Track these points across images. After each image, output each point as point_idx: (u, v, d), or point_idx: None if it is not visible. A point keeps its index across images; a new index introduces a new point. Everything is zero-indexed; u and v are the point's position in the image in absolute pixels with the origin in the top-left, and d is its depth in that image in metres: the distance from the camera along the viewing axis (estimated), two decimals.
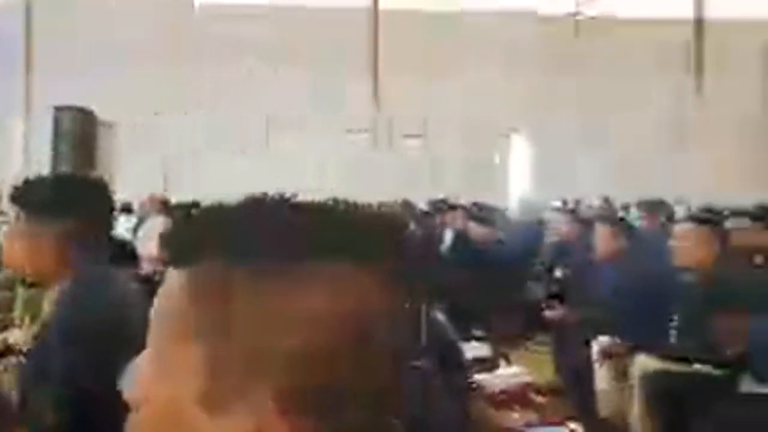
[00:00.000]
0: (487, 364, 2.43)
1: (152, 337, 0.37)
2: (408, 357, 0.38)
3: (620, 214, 5.27)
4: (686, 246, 2.46)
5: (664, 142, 9.29)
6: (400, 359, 0.36)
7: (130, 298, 1.05)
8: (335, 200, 0.39)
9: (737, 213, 4.38)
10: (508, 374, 2.37)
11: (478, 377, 2.24)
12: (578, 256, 3.76)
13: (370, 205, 0.43)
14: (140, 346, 0.38)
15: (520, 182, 9.87)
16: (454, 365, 1.51)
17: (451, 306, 2.56)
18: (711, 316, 2.10)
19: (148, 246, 1.91)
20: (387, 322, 0.34)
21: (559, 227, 4.54)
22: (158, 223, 1.98)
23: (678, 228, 2.68)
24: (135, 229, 3.24)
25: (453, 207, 5.60)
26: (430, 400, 1.35)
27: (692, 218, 2.89)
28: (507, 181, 9.92)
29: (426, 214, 5.68)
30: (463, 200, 6.21)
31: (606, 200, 6.91)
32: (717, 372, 1.94)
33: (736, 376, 1.89)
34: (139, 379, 0.37)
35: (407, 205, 6.29)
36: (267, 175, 8.66)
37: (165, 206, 4.34)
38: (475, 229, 4.55)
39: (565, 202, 6.92)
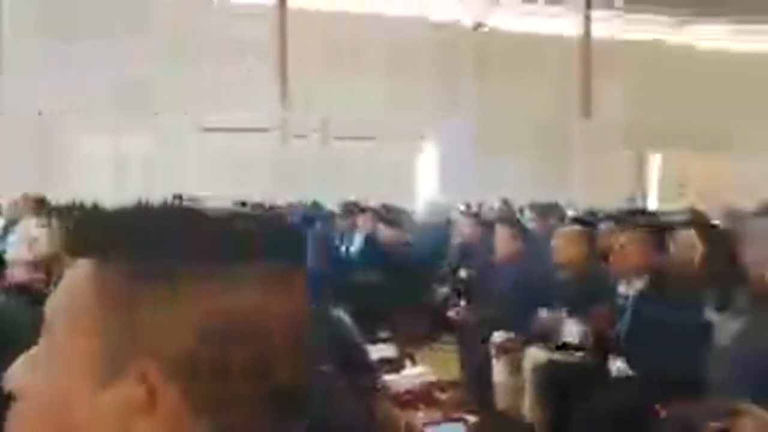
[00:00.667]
0: (394, 365, 2.49)
1: (51, 330, 0.38)
2: (309, 358, 0.40)
3: (518, 216, 5.62)
4: (562, 245, 2.77)
5: (550, 148, 10.01)
6: (299, 360, 0.37)
7: None
8: (239, 203, 0.41)
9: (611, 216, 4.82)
10: (413, 374, 2.45)
11: (385, 378, 2.30)
12: (480, 257, 3.98)
13: (270, 207, 0.45)
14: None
15: (427, 185, 10.21)
16: (358, 366, 1.53)
17: (358, 308, 2.59)
18: (584, 308, 2.34)
19: (22, 250, 1.71)
20: (282, 323, 0.36)
21: (462, 229, 4.76)
22: (32, 226, 1.78)
23: (558, 230, 2.97)
24: (3, 233, 2.82)
25: (363, 209, 5.67)
26: (334, 401, 1.36)
27: (570, 220, 3.20)
28: (414, 184, 10.22)
29: (334, 215, 5.69)
30: (373, 202, 6.29)
31: (505, 203, 7.34)
32: (592, 359, 2.15)
33: (607, 361, 2.10)
34: (25, 371, 0.39)
35: (316, 206, 6.26)
36: (166, 176, 8.24)
37: (40, 206, 3.94)
38: (384, 231, 4.64)
39: (468, 206, 7.25)
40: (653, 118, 10.46)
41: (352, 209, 5.39)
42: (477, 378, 2.73)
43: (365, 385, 1.64)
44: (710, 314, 2.22)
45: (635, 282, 2.35)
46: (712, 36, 10.70)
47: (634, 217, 4.83)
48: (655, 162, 10.88)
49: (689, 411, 1.47)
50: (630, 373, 2.03)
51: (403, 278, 4.26)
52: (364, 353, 1.63)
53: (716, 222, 5.80)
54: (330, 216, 5.75)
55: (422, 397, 2.23)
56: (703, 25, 10.46)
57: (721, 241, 4.22)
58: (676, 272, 2.44)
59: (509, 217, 4.80)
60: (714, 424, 1.21)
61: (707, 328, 2.08)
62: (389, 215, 4.78)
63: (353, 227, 5.10)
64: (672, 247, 2.51)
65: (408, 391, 2.24)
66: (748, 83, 10.56)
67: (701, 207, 6.74)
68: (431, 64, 9.94)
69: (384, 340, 3.01)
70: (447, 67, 10.02)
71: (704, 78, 10.62)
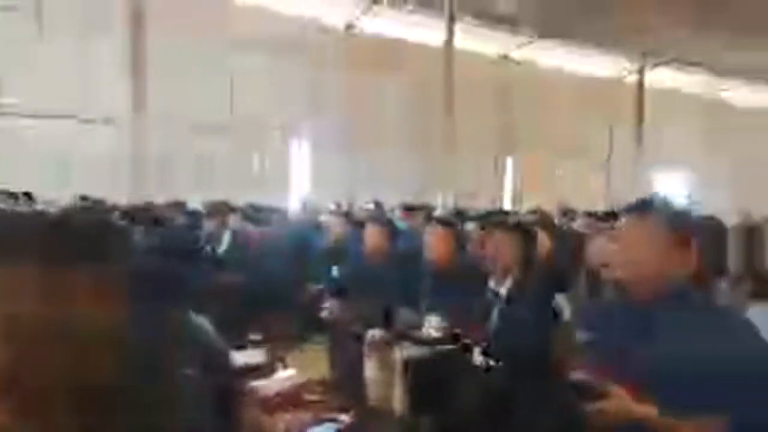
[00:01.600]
0: (264, 369, 2.40)
1: None
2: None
3: (389, 215, 5.79)
4: (431, 244, 2.91)
5: (418, 148, 10.50)
6: (117, 362, 0.36)
7: None
8: (81, 201, 0.36)
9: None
10: (283, 377, 2.38)
11: (254, 383, 2.20)
12: (352, 256, 4.02)
13: (113, 206, 0.40)
14: None
15: (299, 183, 10.11)
16: (221, 372, 1.43)
17: (225, 310, 2.44)
18: (451, 305, 2.48)
19: None
20: (98, 324, 0.34)
21: (334, 228, 4.77)
22: None
23: (427, 228, 3.10)
24: None
25: (231, 209, 5.41)
26: (194, 409, 1.25)
27: (435, 220, 3.38)
28: (288, 182, 10.06)
29: (195, 214, 5.36)
30: (242, 201, 6.05)
31: (377, 203, 7.53)
32: (455, 351, 2.27)
33: (468, 353, 2.24)
34: None
35: (177, 205, 5.84)
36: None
37: None
38: (251, 230, 4.47)
39: (338, 204, 7.31)
40: (509, 123, 11.51)
41: (220, 208, 5.12)
42: (349, 376, 2.74)
43: (230, 392, 1.55)
44: (559, 305, 2.48)
45: (504, 279, 2.51)
46: (553, 55, 12.07)
47: (496, 217, 5.25)
48: (509, 164, 11.96)
49: (557, 393, 1.58)
50: (493, 363, 2.17)
51: (273, 279, 4.14)
52: (227, 358, 1.53)
53: (558, 222, 6.59)
54: (195, 215, 5.41)
55: (292, 399, 2.17)
56: (545, 44, 11.73)
57: (564, 239, 4.78)
58: (535, 269, 2.66)
59: (380, 215, 4.91)
60: (588, 406, 1.31)
61: (557, 319, 2.31)
62: (256, 214, 4.61)
63: (221, 227, 4.84)
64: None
65: (277, 395, 2.17)
66: (585, 101, 12.12)
67: (548, 207, 7.59)
68: (304, 63, 9.86)
69: (254, 344, 2.89)
70: (319, 66, 10.02)
71: (546, 91, 11.96)
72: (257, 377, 2.33)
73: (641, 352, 1.38)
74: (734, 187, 13.30)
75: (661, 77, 12.54)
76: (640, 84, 9.88)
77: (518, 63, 11.74)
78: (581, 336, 1.71)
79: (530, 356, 2.17)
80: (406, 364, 2.36)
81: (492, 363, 2.15)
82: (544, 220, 5.74)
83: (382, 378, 2.55)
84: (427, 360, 2.26)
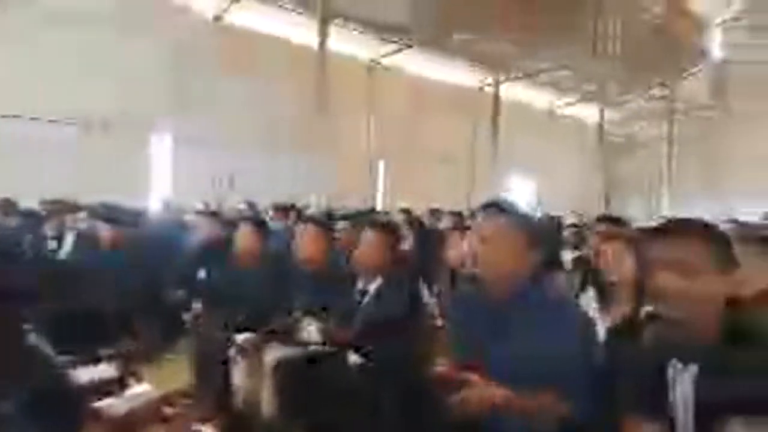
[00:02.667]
0: (114, 386, 2.16)
1: None
2: None
3: (261, 215, 5.61)
4: (302, 244, 2.86)
5: (291, 147, 10.34)
6: None
7: None
8: None
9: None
10: (136, 393, 2.17)
11: (102, 403, 1.97)
12: (220, 257, 3.79)
13: None
14: None
15: (163, 183, 9.37)
16: (59, 396, 1.25)
17: (69, 322, 2.16)
18: (323, 305, 2.46)
19: None
20: None
21: (201, 229, 4.49)
22: None
23: (298, 229, 3.05)
24: None
25: (77, 207, 4.82)
26: None
27: (307, 219, 3.34)
28: (149, 181, 9.27)
29: (31, 214, 4.70)
30: (91, 199, 5.42)
31: (250, 203, 7.26)
32: (327, 352, 2.26)
33: (341, 353, 2.25)
34: None
35: (8, 203, 5.04)
36: None
37: None
38: (105, 231, 4.02)
39: (206, 204, 6.92)
40: (381, 127, 11.83)
41: (59, 208, 4.53)
42: (214, 384, 2.59)
43: (72, 417, 1.36)
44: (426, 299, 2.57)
45: (372, 278, 2.51)
46: (422, 64, 12.68)
47: (366, 216, 5.33)
48: (380, 167, 12.29)
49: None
50: (365, 363, 2.18)
51: (130, 283, 3.75)
52: (65, 379, 1.34)
53: (425, 221, 6.93)
54: (31, 215, 4.72)
55: (148, 416, 1.99)
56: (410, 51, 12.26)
57: (431, 239, 5.02)
58: (403, 268, 2.71)
59: (251, 216, 4.73)
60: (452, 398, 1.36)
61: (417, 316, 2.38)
62: (109, 214, 4.16)
63: (61, 227, 4.29)
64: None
65: (130, 413, 1.97)
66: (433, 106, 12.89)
67: (414, 208, 7.94)
68: (166, 52, 9.15)
69: (104, 359, 2.60)
70: (183, 57, 9.37)
71: (415, 98, 12.54)
72: (106, 395, 2.09)
73: (497, 344, 1.50)
74: (572, 191, 15.17)
75: (515, 90, 13.84)
76: (497, 96, 10.83)
77: (387, 69, 12.12)
78: (446, 330, 1.80)
79: (398, 355, 2.20)
80: (277, 367, 2.29)
81: (364, 362, 2.17)
82: (409, 219, 5.99)
83: (252, 383, 2.46)
84: (297, 362, 2.22)
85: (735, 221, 6.10)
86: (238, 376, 2.46)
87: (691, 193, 13.51)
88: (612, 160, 16.27)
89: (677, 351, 1.29)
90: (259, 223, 3.54)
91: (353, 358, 2.19)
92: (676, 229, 1.36)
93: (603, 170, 15.30)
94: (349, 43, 11.22)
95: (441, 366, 1.51)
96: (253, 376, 2.39)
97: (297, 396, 2.20)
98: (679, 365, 1.29)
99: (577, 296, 2.60)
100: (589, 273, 2.69)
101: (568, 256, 4.49)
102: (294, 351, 2.29)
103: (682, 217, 1.46)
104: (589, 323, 1.55)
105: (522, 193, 14.71)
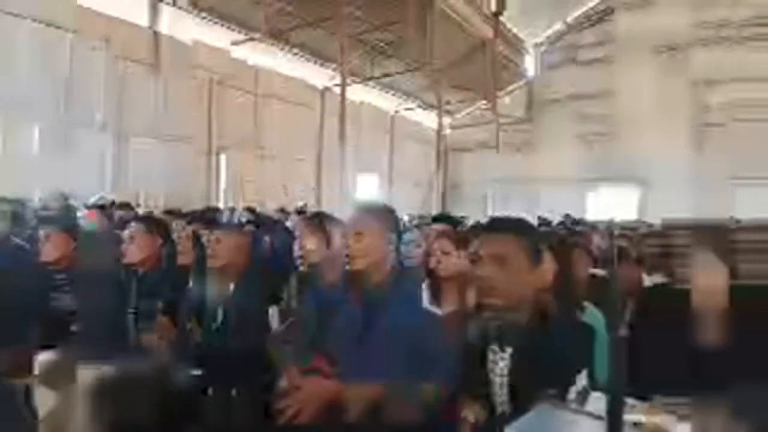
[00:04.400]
0: None
1: None
2: None
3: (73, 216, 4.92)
4: (129, 245, 2.58)
5: None
6: None
7: None
8: None
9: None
10: None
11: None
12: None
13: None
14: None
15: None
16: None
17: None
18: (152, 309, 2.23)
19: None
20: None
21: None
22: None
23: (128, 229, 2.74)
24: None
25: None
26: None
27: (137, 219, 3.02)
28: None
29: None
30: None
31: (65, 200, 6.29)
32: (154, 363, 2.05)
33: (174, 363, 2.05)
34: None
35: None
36: None
37: None
38: None
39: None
40: (222, 121, 11.26)
41: None
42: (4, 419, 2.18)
43: None
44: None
45: (222, 280, 2.29)
46: (268, 57, 12.35)
47: (209, 215, 4.98)
48: (222, 163, 11.69)
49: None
50: (202, 372, 2.01)
51: None
52: None
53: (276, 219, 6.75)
54: None
55: None
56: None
57: (284, 237, 4.86)
58: (254, 268, 2.52)
59: (61, 216, 4.12)
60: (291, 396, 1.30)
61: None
62: None
63: None
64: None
65: None
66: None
67: (259, 205, 7.70)
68: None
69: None
70: None
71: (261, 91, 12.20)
72: None
73: (354, 342, 1.49)
74: (413, 192, 16.14)
75: (359, 92, 14.22)
76: (342, 96, 11.05)
77: (232, 59, 11.60)
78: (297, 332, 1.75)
79: (247, 359, 2.07)
80: (93, 386, 2.00)
81: (200, 372, 2.00)
82: (262, 218, 5.81)
83: (61, 409, 2.11)
84: (116, 379, 1.96)
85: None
86: (42, 403, 2.09)
87: (512, 195, 15.27)
88: (450, 163, 17.70)
89: (496, 336, 1.42)
90: (70, 226, 3.07)
91: (187, 367, 2.01)
92: (494, 226, 1.50)
93: (441, 173, 16.54)
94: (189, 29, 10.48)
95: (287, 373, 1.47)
96: (62, 402, 2.05)
97: (115, 417, 1.95)
98: (497, 348, 1.42)
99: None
100: (424, 269, 2.85)
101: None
102: (113, 367, 2.02)
103: (500, 215, 1.62)
104: (436, 317, 1.64)
105: (368, 192, 15.23)
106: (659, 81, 14.68)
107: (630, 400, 1.32)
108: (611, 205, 14.25)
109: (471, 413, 1.33)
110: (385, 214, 1.66)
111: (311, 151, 13.59)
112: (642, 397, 1.20)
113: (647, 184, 14.54)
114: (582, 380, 1.18)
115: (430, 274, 2.58)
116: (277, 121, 12.42)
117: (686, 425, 1.13)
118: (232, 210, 7.66)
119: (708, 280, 1.71)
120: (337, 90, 11.70)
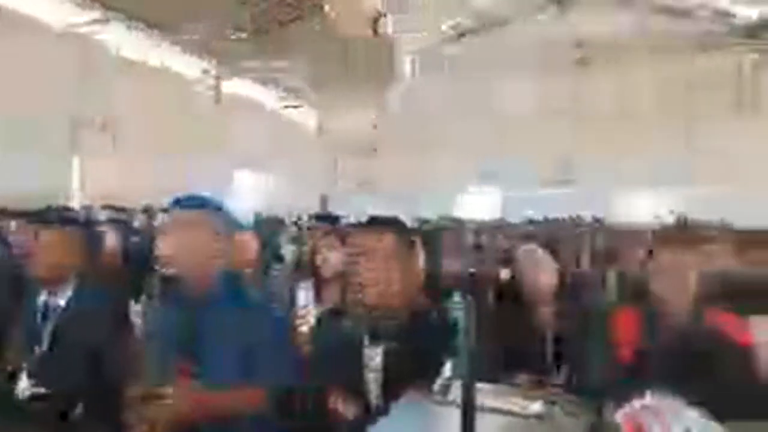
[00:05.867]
0: None
1: None
2: None
3: None
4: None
5: None
6: None
7: None
8: None
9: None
10: None
11: None
12: None
13: None
14: None
15: None
16: None
17: None
18: None
19: None
20: None
21: None
22: None
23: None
24: None
25: None
26: None
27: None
28: None
29: None
30: None
31: None
32: None
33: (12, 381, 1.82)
34: None
35: None
36: None
37: None
38: None
39: None
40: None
41: None
42: None
43: None
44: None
45: (59, 286, 1.97)
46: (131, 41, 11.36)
47: (54, 214, 4.44)
48: (74, 164, 10.62)
49: None
50: (44, 391, 1.79)
51: None
52: None
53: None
54: None
55: None
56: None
57: (145, 238, 4.50)
58: (103, 272, 2.26)
59: None
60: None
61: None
62: None
63: None
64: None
65: None
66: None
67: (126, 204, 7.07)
68: None
69: None
70: None
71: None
72: None
73: (202, 346, 1.43)
74: (294, 189, 15.87)
75: (238, 85, 13.65)
76: (218, 88, 10.47)
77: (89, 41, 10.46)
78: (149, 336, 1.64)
79: (96, 377, 1.84)
80: None
81: (42, 391, 1.77)
82: (116, 217, 5.32)
83: None
84: None
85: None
86: None
87: (400, 195, 15.71)
88: (335, 161, 17.70)
89: (371, 331, 1.48)
90: None
91: (25, 385, 1.78)
92: (371, 224, 1.56)
93: (323, 169, 16.49)
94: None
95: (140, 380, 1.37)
96: None
97: None
98: (372, 344, 1.47)
99: (292, 289, 2.71)
100: (306, 267, 2.85)
101: (289, 252, 4.68)
102: None
103: (378, 214, 1.68)
104: (280, 319, 1.61)
105: (247, 189, 14.70)
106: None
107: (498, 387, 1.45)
108: (478, 206, 15.41)
109: (346, 409, 1.37)
110: (211, 212, 1.53)
111: (184, 145, 12.74)
112: (494, 381, 1.32)
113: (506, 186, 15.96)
114: (447, 370, 1.27)
115: (315, 272, 2.59)
116: (141, 110, 11.44)
117: (536, 404, 1.26)
118: (88, 208, 6.92)
119: (538, 275, 1.95)
120: (212, 81, 11.10)
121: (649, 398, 1.14)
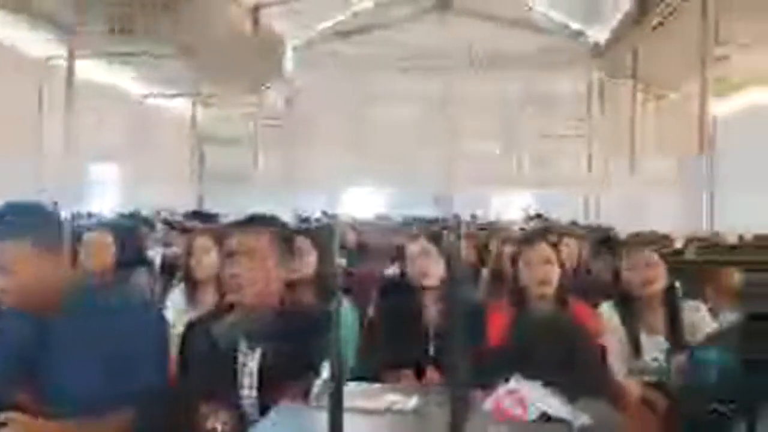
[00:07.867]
0: None
1: None
2: None
3: None
4: None
5: None
6: None
7: None
8: None
9: None
10: None
11: None
12: None
13: None
14: None
15: None
16: None
17: None
18: None
19: None
20: None
21: None
22: None
23: None
24: None
25: None
26: None
27: None
28: None
29: None
30: None
31: None
32: None
33: None
34: None
35: None
36: None
37: None
38: None
39: None
40: None
41: None
42: None
43: None
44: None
45: None
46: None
47: None
48: None
49: None
50: None
51: None
52: None
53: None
54: None
55: None
56: None
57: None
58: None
59: None
60: None
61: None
62: None
63: None
64: None
65: None
66: None
67: None
68: None
69: None
70: None
71: None
72: None
73: (50, 364, 1.22)
74: (164, 186, 14.71)
75: (90, 69, 12.12)
76: (71, 72, 9.25)
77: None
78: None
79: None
80: None
81: None
82: None
83: None
84: None
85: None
86: None
87: (277, 191, 15.28)
88: (208, 157, 16.68)
89: (246, 335, 1.39)
90: None
91: None
92: (248, 222, 1.48)
93: (197, 166, 15.54)
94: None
95: None
96: None
97: None
98: (247, 349, 1.39)
99: (159, 293, 2.51)
100: (178, 270, 2.64)
101: (158, 254, 4.32)
102: None
103: (255, 213, 1.59)
104: (157, 321, 1.41)
105: (104, 185, 13.39)
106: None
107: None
108: (360, 204, 15.69)
109: (217, 422, 1.26)
110: (31, 217, 1.25)
111: (28, 137, 11.12)
112: (377, 380, 1.31)
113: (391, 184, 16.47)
114: (326, 371, 1.23)
115: (188, 274, 2.40)
116: None
117: (413, 399, 1.28)
118: None
119: (424, 271, 2.00)
120: (64, 63, 9.73)
121: (513, 384, 1.24)
